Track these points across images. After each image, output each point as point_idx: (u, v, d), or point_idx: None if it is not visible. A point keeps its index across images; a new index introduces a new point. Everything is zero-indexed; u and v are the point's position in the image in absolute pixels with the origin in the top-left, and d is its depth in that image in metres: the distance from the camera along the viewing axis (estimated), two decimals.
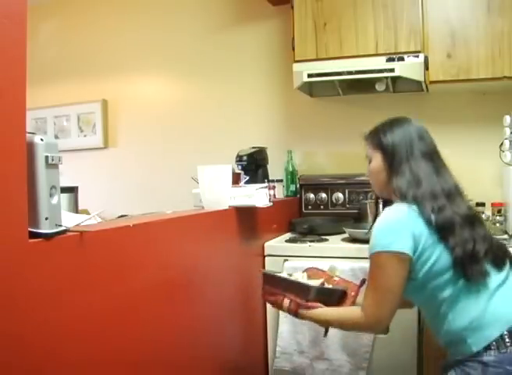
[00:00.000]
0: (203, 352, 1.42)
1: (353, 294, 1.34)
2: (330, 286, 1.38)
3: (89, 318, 0.91)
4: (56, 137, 3.11)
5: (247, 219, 1.75)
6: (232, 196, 1.62)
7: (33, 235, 0.78)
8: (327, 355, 1.78)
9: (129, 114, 3.02)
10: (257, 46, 2.72)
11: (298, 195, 2.50)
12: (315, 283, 1.38)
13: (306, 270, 1.48)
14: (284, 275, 1.44)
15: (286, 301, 1.34)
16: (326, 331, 1.36)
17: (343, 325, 1.30)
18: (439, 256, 1.17)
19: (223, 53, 2.79)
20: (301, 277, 1.43)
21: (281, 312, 1.67)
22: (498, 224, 2.01)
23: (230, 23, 2.78)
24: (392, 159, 1.28)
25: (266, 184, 1.90)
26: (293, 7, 2.24)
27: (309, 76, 2.19)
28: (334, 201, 2.44)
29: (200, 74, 2.85)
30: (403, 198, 1.23)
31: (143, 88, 3.02)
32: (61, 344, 0.84)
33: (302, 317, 1.32)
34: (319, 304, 1.29)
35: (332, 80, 2.25)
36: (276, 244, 1.99)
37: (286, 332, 1.84)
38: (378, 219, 1.24)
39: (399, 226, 1.19)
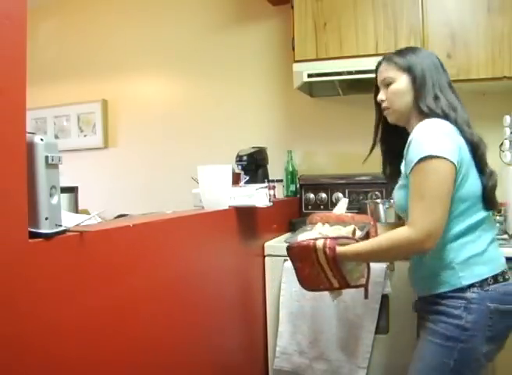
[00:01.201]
0: (203, 352, 1.42)
1: (372, 223, 1.33)
2: (360, 233, 1.29)
3: (89, 318, 0.91)
4: (56, 137, 3.11)
5: (247, 219, 1.75)
6: (232, 196, 1.62)
7: (33, 235, 0.78)
8: (327, 355, 1.78)
9: (129, 114, 3.02)
10: (257, 46, 2.72)
11: (298, 195, 2.50)
12: (347, 230, 1.27)
13: (313, 218, 1.43)
14: (306, 236, 1.31)
15: (320, 243, 1.21)
16: (366, 291, 1.28)
17: (390, 248, 1.16)
18: (470, 182, 1.18)
19: (223, 53, 2.79)
20: (328, 229, 1.31)
21: (281, 299, 1.64)
22: (498, 224, 2.00)
23: (230, 23, 2.78)
24: (424, 82, 1.26)
25: (266, 184, 1.89)
26: (293, 7, 2.24)
27: (309, 76, 2.19)
28: (334, 201, 2.43)
29: (200, 74, 2.85)
30: (445, 118, 1.21)
31: (143, 88, 3.02)
32: (61, 344, 0.84)
33: (341, 256, 1.19)
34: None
35: (332, 80, 2.25)
36: (276, 244, 1.98)
37: (286, 332, 1.84)
38: (422, 128, 1.18)
39: (447, 136, 1.16)
